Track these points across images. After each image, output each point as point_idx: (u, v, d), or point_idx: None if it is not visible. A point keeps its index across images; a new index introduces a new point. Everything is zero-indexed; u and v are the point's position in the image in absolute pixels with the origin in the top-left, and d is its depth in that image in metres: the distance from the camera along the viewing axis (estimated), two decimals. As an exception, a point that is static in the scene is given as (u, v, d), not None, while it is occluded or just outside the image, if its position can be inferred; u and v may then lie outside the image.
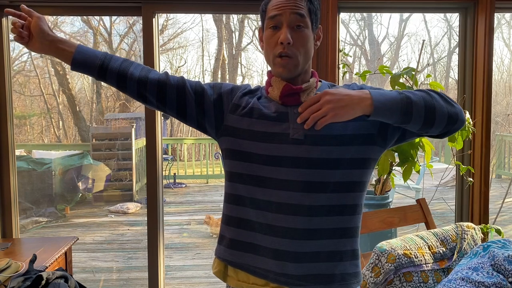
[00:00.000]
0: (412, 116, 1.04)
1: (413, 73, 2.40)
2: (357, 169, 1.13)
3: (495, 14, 2.40)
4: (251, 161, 1.13)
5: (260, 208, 1.13)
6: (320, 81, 1.23)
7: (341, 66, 2.51)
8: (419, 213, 2.12)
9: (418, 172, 2.39)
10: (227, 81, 11.95)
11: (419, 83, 2.52)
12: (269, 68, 1.22)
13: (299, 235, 1.10)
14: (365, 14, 12.36)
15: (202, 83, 1.23)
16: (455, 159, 2.50)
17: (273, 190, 1.11)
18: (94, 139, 6.77)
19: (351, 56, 12.19)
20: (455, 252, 1.82)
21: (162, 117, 5.05)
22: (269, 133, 1.12)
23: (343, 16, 12.96)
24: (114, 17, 9.52)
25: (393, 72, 2.44)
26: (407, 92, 1.07)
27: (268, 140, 1.12)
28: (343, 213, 1.13)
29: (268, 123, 1.13)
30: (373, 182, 2.81)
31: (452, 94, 10.37)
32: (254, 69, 13.68)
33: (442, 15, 12.21)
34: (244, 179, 1.15)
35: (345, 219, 1.13)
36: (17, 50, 9.81)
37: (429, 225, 2.10)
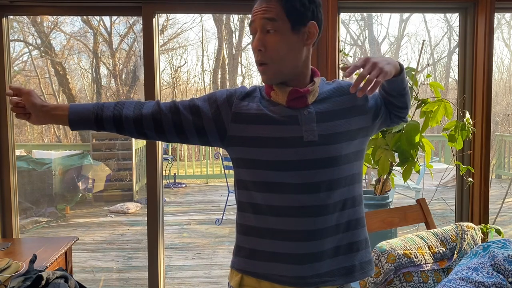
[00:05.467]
0: (408, 87, 1.17)
1: (413, 73, 2.40)
2: (359, 161, 1.18)
3: (495, 14, 2.40)
4: (265, 169, 1.11)
5: (280, 215, 1.11)
6: None
7: (341, 65, 2.51)
8: (419, 213, 2.12)
9: (418, 172, 2.39)
10: (227, 81, 11.96)
11: (419, 83, 2.52)
12: None
13: (322, 234, 1.11)
14: (365, 14, 12.35)
15: (195, 99, 1.20)
16: (455, 159, 2.50)
17: (293, 195, 1.10)
18: (94, 139, 6.77)
19: (351, 56, 12.17)
20: (455, 252, 1.82)
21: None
22: (281, 138, 1.10)
23: (343, 16, 12.96)
24: (114, 17, 9.52)
25: (393, 72, 2.43)
26: None
27: (281, 145, 1.10)
28: (354, 205, 1.17)
29: (277, 128, 1.11)
30: (373, 182, 2.80)
31: (452, 94, 10.36)
32: (254, 69, 13.65)
33: (442, 15, 12.20)
34: (259, 187, 1.13)
35: (355, 210, 1.17)
36: (17, 50, 9.82)
37: (429, 225, 2.10)
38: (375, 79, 1.01)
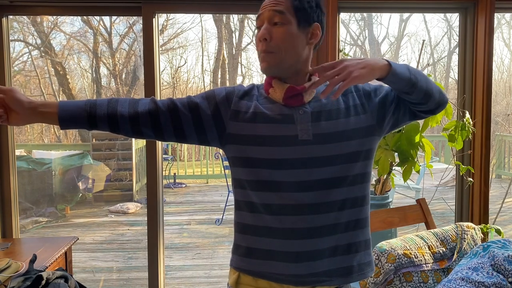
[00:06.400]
0: (418, 82, 1.09)
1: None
2: (363, 161, 1.16)
3: (495, 14, 2.40)
4: (260, 167, 1.12)
5: (276, 213, 1.12)
6: None
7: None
8: (419, 213, 2.12)
9: (418, 172, 2.39)
10: (227, 81, 11.96)
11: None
12: None
13: (318, 233, 1.11)
14: (365, 14, 12.35)
15: (193, 97, 1.19)
16: (455, 159, 2.50)
17: (288, 193, 1.10)
18: (94, 139, 6.77)
19: (351, 56, 12.17)
20: (455, 252, 1.82)
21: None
22: (276, 136, 1.11)
23: (343, 16, 12.96)
24: (114, 17, 9.52)
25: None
26: None
27: (276, 144, 1.11)
28: (355, 205, 1.16)
29: (274, 126, 1.12)
30: (373, 182, 2.80)
31: (452, 94, 10.36)
32: (254, 69, 13.66)
33: (442, 15, 12.21)
34: (255, 185, 1.13)
35: (357, 210, 1.16)
36: (17, 50, 9.82)
37: (429, 225, 2.10)
38: (341, 82, 1.01)
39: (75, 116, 1.11)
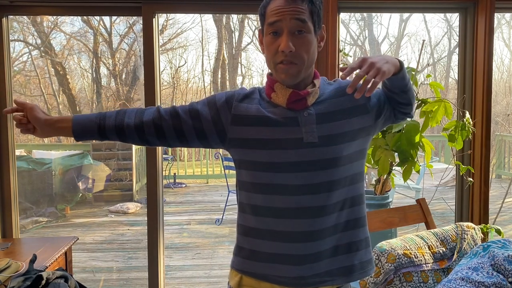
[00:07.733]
0: (410, 83, 1.15)
1: (413, 73, 2.39)
2: (360, 160, 1.18)
3: (495, 14, 2.40)
4: (265, 170, 1.11)
5: (280, 216, 1.12)
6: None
7: (341, 66, 2.51)
8: (419, 213, 2.12)
9: (418, 172, 2.39)
10: (227, 81, 11.96)
11: (419, 83, 2.52)
12: (269, 70, 1.20)
13: (321, 235, 1.11)
14: (365, 14, 12.35)
15: (195, 103, 1.20)
16: (455, 159, 2.50)
17: (292, 196, 1.10)
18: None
19: (351, 56, 12.14)
20: (455, 252, 1.82)
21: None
22: (281, 139, 1.10)
23: (343, 16, 12.95)
24: (114, 17, 9.52)
25: (393, 72, 2.43)
26: None
27: (281, 147, 1.10)
28: (353, 205, 1.16)
29: (277, 129, 1.11)
30: (373, 182, 2.80)
31: (452, 94, 10.36)
32: (254, 69, 13.67)
33: (442, 15, 12.20)
34: (259, 188, 1.13)
35: (354, 209, 1.17)
36: (17, 50, 9.82)
37: (429, 225, 2.10)
38: (373, 79, 0.99)
39: (87, 129, 1.19)
